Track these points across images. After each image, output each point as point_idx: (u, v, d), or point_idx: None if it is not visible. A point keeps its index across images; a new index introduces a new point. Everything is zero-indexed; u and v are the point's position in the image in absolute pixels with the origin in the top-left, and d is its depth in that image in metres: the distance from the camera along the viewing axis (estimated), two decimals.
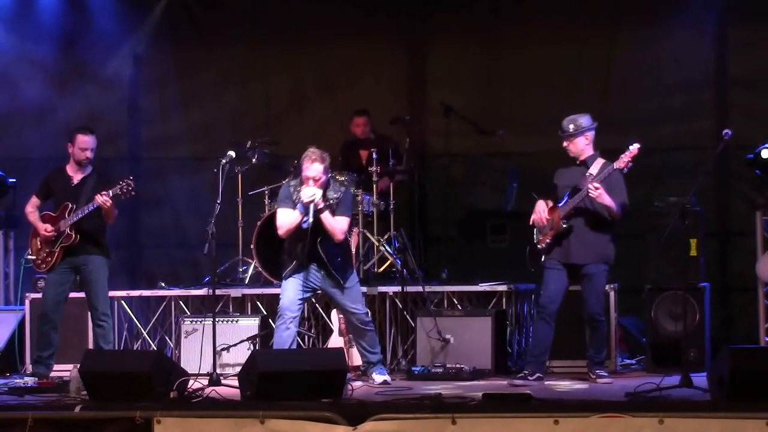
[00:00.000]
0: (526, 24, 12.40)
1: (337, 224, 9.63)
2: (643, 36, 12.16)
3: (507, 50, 12.59)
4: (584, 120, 9.75)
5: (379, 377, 9.77)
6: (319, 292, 9.96)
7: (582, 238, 9.68)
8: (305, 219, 9.56)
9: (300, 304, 9.76)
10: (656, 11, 12.02)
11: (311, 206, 9.52)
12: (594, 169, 9.65)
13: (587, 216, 9.67)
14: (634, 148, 9.41)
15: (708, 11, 12.04)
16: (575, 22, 12.28)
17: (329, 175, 9.75)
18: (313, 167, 9.59)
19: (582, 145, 9.73)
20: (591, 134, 9.76)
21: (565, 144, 9.74)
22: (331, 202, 9.64)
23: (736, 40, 12.11)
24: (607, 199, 9.52)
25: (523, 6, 12.41)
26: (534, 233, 9.87)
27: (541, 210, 9.83)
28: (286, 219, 9.69)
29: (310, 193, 9.54)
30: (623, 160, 9.44)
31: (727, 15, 12.04)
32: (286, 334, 9.62)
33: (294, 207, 9.66)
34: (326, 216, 9.59)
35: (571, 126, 9.72)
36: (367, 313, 9.96)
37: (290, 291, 9.71)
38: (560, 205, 9.73)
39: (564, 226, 9.66)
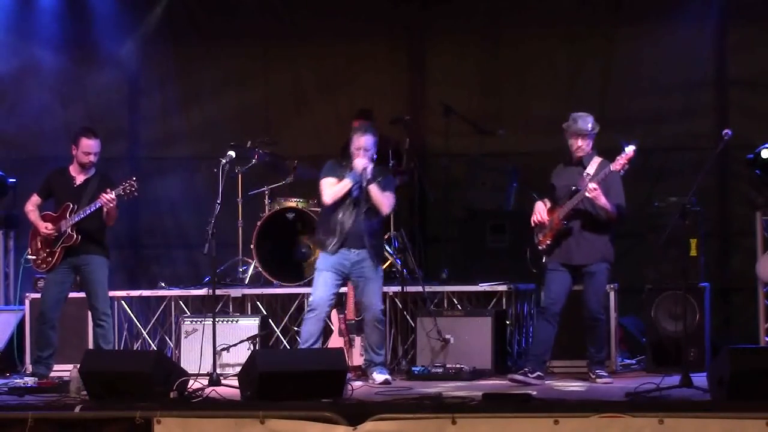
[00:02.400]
0: (525, 23, 12.38)
1: (385, 197, 9.74)
2: (643, 36, 12.15)
3: (507, 50, 12.57)
4: (594, 121, 9.74)
5: (379, 377, 9.77)
6: (351, 280, 9.94)
7: (582, 238, 9.67)
8: (355, 187, 9.63)
9: (332, 299, 9.89)
10: (656, 11, 12.00)
11: (363, 176, 9.60)
12: (591, 168, 9.64)
13: (586, 216, 9.66)
14: (630, 150, 9.35)
15: (708, 11, 12.02)
16: (575, 22, 12.26)
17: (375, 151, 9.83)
18: (366, 137, 9.72)
19: (592, 145, 9.75)
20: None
21: (580, 143, 9.67)
22: (379, 179, 9.74)
23: (736, 40, 12.10)
24: (603, 200, 9.51)
25: (522, 5, 12.40)
26: (534, 234, 9.87)
27: (540, 211, 9.83)
28: (335, 187, 9.74)
29: (363, 163, 9.64)
30: (619, 163, 9.41)
31: (727, 15, 12.03)
32: (316, 327, 9.78)
33: (339, 179, 9.72)
34: (374, 188, 9.67)
35: (590, 125, 9.68)
36: (383, 311, 9.98)
37: (322, 287, 9.79)
38: (560, 205, 9.73)
39: (564, 226, 9.66)
